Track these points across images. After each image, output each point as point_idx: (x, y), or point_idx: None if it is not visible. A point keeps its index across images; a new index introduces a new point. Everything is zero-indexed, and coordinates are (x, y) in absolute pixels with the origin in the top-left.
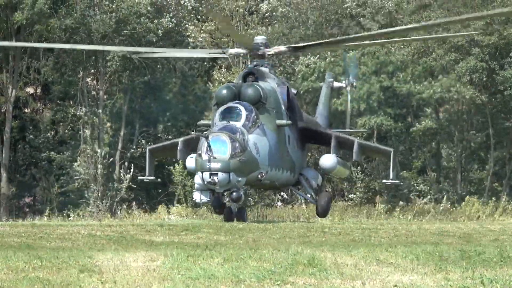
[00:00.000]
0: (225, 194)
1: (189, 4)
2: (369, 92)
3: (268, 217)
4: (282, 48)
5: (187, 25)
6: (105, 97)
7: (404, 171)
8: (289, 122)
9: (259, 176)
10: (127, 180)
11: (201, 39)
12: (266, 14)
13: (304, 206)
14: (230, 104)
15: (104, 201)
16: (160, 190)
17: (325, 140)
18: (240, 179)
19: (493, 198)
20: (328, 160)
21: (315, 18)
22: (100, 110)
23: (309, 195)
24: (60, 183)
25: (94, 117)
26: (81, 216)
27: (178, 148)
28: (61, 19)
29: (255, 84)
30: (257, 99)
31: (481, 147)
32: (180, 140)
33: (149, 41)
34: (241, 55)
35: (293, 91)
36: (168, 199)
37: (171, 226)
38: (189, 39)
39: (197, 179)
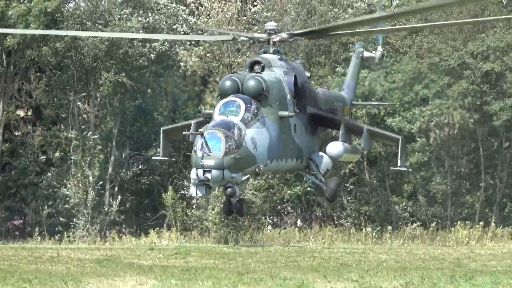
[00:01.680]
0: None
1: (181, 29)
2: (356, 117)
3: (259, 241)
4: (284, 35)
5: (177, 50)
6: (96, 120)
7: (394, 196)
8: (292, 113)
9: (257, 170)
10: (117, 204)
11: (191, 63)
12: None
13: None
14: (230, 98)
15: (94, 225)
16: (149, 214)
17: (335, 126)
18: (234, 175)
19: (482, 223)
20: (334, 148)
21: (305, 46)
22: (90, 134)
23: (317, 179)
24: (51, 207)
25: (85, 141)
26: (71, 240)
27: (191, 130)
28: (52, 42)
29: (257, 77)
30: (258, 92)
31: (471, 173)
32: (193, 122)
33: (141, 65)
34: (250, 40)
35: (307, 74)
36: (158, 222)
37: (161, 250)
38: (180, 63)
39: (193, 174)
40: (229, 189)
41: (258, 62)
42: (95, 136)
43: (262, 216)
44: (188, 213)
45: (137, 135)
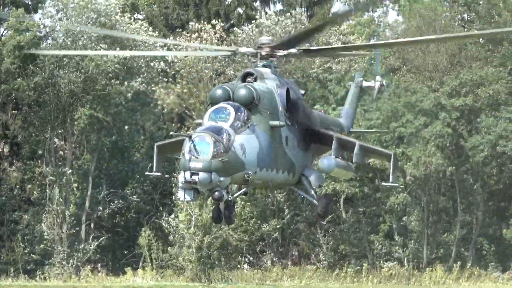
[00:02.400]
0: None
1: (159, 66)
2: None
3: (233, 280)
4: (293, 50)
5: (154, 88)
6: (72, 157)
7: (372, 235)
8: (282, 123)
9: (246, 176)
10: (93, 241)
11: (169, 101)
12: (233, 77)
13: (272, 266)
14: (220, 104)
15: (69, 262)
16: (126, 251)
17: (327, 142)
18: (222, 179)
19: (459, 263)
20: (325, 161)
21: None
22: (67, 170)
23: (309, 195)
24: (26, 243)
25: (61, 177)
26: (46, 276)
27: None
28: (29, 78)
29: (248, 85)
30: (249, 100)
31: (448, 212)
32: (187, 137)
33: (118, 102)
34: (251, 55)
35: (301, 91)
36: (134, 260)
37: None
38: (158, 101)
39: (181, 178)
40: (216, 193)
41: (250, 74)
42: (69, 171)
43: (239, 255)
44: (164, 251)
45: (114, 172)
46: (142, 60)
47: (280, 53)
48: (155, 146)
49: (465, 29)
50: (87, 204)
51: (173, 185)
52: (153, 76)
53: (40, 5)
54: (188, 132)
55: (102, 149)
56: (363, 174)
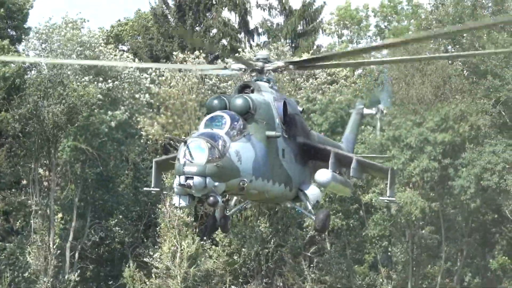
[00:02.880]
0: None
1: (143, 98)
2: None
3: None
4: (280, 63)
5: (139, 118)
6: (57, 187)
7: (356, 266)
8: (278, 134)
9: (241, 183)
10: (78, 272)
11: (153, 131)
12: None
13: None
14: (216, 112)
15: None
16: (110, 282)
17: (324, 157)
18: (217, 184)
19: None
20: (322, 175)
21: None
22: (51, 201)
23: (307, 211)
24: (10, 273)
25: (46, 208)
26: None
27: None
28: (14, 109)
29: (245, 95)
30: (245, 109)
31: (433, 244)
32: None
33: (102, 133)
34: (243, 70)
35: (299, 108)
36: None
37: None
38: (142, 132)
39: (176, 183)
40: (211, 198)
41: (247, 86)
42: (54, 201)
43: (223, 285)
44: (147, 282)
45: (99, 203)
46: (126, 92)
47: (268, 66)
48: (153, 162)
49: (449, 62)
50: (71, 235)
51: (157, 216)
52: (138, 108)
53: (24, 36)
54: (183, 138)
55: (87, 180)
56: (348, 206)
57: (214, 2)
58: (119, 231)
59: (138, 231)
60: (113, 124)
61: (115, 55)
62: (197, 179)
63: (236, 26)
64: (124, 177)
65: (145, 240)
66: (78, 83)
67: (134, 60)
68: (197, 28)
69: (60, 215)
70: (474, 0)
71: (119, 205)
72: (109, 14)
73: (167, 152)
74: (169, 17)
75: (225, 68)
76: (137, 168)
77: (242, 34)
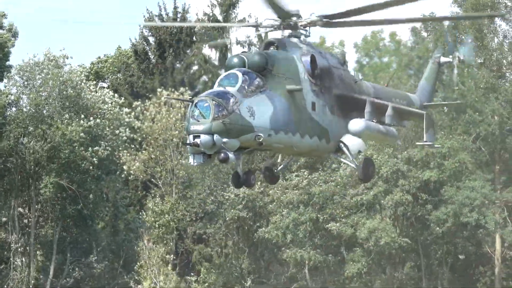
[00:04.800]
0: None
1: (124, 134)
2: (297, 223)
3: None
4: (314, 18)
5: (120, 154)
6: (36, 225)
7: None
8: (298, 87)
9: (256, 138)
10: None
11: (134, 167)
12: None
13: None
14: (230, 71)
15: None
16: None
17: (363, 107)
18: (226, 140)
19: None
20: (354, 124)
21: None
22: (31, 238)
23: (349, 161)
24: None
25: (25, 246)
26: None
27: None
28: None
29: (262, 52)
30: (262, 66)
31: (412, 280)
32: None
33: (83, 170)
34: (274, 26)
35: (340, 61)
36: None
37: None
38: (124, 167)
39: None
40: (222, 155)
41: (272, 43)
42: (33, 239)
43: None
44: None
45: (78, 240)
46: (107, 128)
47: (302, 22)
48: None
49: None
50: (51, 272)
51: (136, 253)
52: (119, 143)
53: (5, 73)
54: (190, 97)
55: (66, 217)
56: (325, 243)
57: (194, 39)
58: (99, 268)
59: (117, 269)
60: (94, 160)
61: (95, 92)
62: (203, 137)
63: (217, 63)
64: (103, 215)
65: (125, 277)
66: (60, 120)
67: (114, 97)
68: (177, 65)
69: (39, 252)
70: (453, 36)
71: (98, 242)
72: (89, 51)
73: (148, 189)
74: (150, 54)
75: (257, 25)
76: (116, 206)
77: (223, 71)
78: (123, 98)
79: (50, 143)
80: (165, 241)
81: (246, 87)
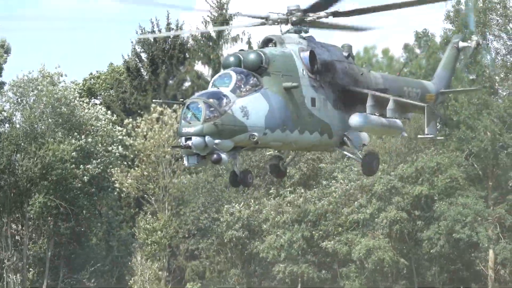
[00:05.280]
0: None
1: (116, 151)
2: (291, 241)
3: None
4: (321, 13)
5: (113, 170)
6: (29, 242)
7: None
8: (294, 84)
9: (251, 138)
10: None
11: (127, 184)
12: None
13: None
14: (224, 71)
15: None
16: None
17: (363, 100)
18: (218, 141)
19: None
20: (353, 119)
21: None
22: (24, 255)
23: (354, 154)
24: None
25: (19, 262)
26: None
27: None
28: None
29: (258, 50)
30: (257, 64)
31: None
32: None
33: (75, 187)
34: (281, 21)
35: (344, 54)
36: None
37: None
38: (115, 184)
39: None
40: (214, 156)
41: (270, 40)
42: (26, 256)
43: None
44: None
45: (71, 257)
46: (100, 145)
47: (309, 17)
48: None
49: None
50: None
51: (129, 270)
52: (111, 160)
53: None
54: (182, 100)
55: (59, 234)
56: (319, 259)
57: (187, 56)
58: (92, 284)
59: (110, 285)
60: (85, 179)
61: (88, 109)
62: (195, 139)
63: (210, 78)
64: (96, 231)
65: None
66: (52, 138)
67: (107, 113)
68: (170, 81)
69: (32, 270)
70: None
71: (91, 259)
72: (82, 67)
73: (140, 206)
74: (142, 70)
75: (264, 18)
76: (110, 222)
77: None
78: (115, 115)
79: (41, 163)
80: (158, 258)
81: (241, 87)
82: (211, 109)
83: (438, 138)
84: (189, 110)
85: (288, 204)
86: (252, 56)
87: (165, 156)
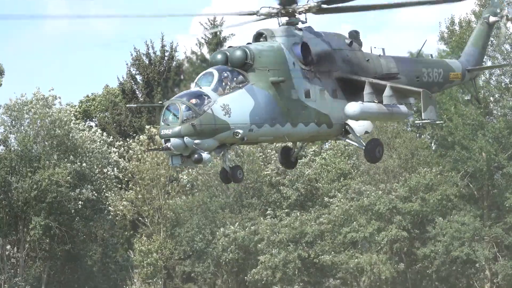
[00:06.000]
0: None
1: (112, 173)
2: (286, 261)
3: None
4: (312, 3)
5: (107, 194)
6: (25, 264)
7: None
8: (281, 79)
9: (235, 135)
10: None
11: (122, 207)
12: (188, 185)
13: None
14: (207, 70)
15: None
16: None
17: (361, 88)
18: (198, 141)
19: None
20: (349, 108)
21: (235, 187)
22: (19, 279)
23: (356, 142)
24: None
25: (14, 285)
26: None
27: None
28: None
29: (242, 47)
30: (241, 61)
31: None
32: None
33: (70, 210)
34: (272, 14)
35: (346, 41)
36: None
37: None
38: (110, 207)
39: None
40: (195, 156)
41: (261, 34)
42: (21, 278)
43: None
44: None
45: (67, 280)
46: (95, 167)
47: (299, 8)
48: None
49: (417, 134)
50: None
51: None
52: (107, 182)
53: None
54: (160, 102)
55: (55, 256)
56: (315, 279)
57: (182, 78)
58: None
59: None
60: (80, 204)
61: (83, 131)
62: (174, 141)
63: None
64: (92, 253)
65: None
66: (48, 161)
67: (102, 135)
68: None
69: None
70: None
71: (87, 282)
72: (77, 89)
73: (136, 228)
74: (137, 92)
75: (254, 14)
76: (106, 244)
77: None
78: (111, 136)
79: (36, 189)
80: (154, 279)
81: (223, 85)
82: (188, 110)
83: (437, 122)
84: (168, 112)
85: (285, 227)
86: (236, 53)
87: (160, 179)
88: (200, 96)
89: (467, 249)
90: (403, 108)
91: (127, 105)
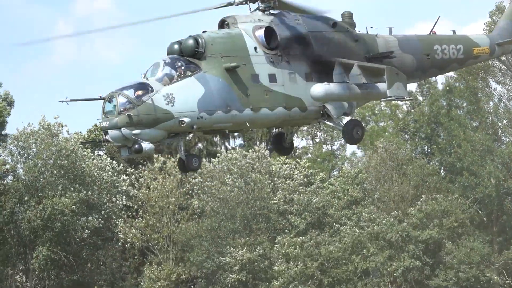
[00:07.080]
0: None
1: (120, 202)
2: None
3: None
4: None
5: (117, 222)
6: None
7: None
8: (233, 64)
9: (181, 123)
10: None
11: (131, 234)
12: (197, 210)
13: None
14: (156, 60)
15: None
16: None
17: (331, 69)
18: (137, 132)
19: None
20: (313, 90)
21: (243, 213)
22: None
23: (334, 123)
24: None
25: None
26: None
27: None
28: None
29: (194, 36)
30: (192, 50)
31: None
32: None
33: (78, 238)
34: (247, 0)
35: (317, 24)
36: None
37: None
38: (120, 234)
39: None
40: (136, 146)
41: (224, 21)
42: None
43: None
44: None
45: None
46: (103, 196)
47: None
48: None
49: (427, 161)
50: None
51: None
52: (116, 211)
53: (1, 142)
54: (100, 96)
55: (63, 286)
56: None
57: None
58: None
59: None
60: (87, 232)
61: (93, 159)
62: (111, 132)
63: None
64: (101, 282)
65: None
66: (52, 192)
67: (112, 163)
68: None
69: None
70: (448, 100)
71: None
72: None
73: (145, 256)
74: None
75: (230, 4)
76: (113, 273)
77: (218, 138)
78: (121, 165)
79: (42, 220)
80: None
81: (168, 75)
82: (125, 101)
83: (406, 99)
84: (108, 104)
85: (298, 247)
86: (187, 42)
87: (169, 206)
88: (140, 87)
89: (476, 272)
90: (381, 86)
91: (58, 100)
